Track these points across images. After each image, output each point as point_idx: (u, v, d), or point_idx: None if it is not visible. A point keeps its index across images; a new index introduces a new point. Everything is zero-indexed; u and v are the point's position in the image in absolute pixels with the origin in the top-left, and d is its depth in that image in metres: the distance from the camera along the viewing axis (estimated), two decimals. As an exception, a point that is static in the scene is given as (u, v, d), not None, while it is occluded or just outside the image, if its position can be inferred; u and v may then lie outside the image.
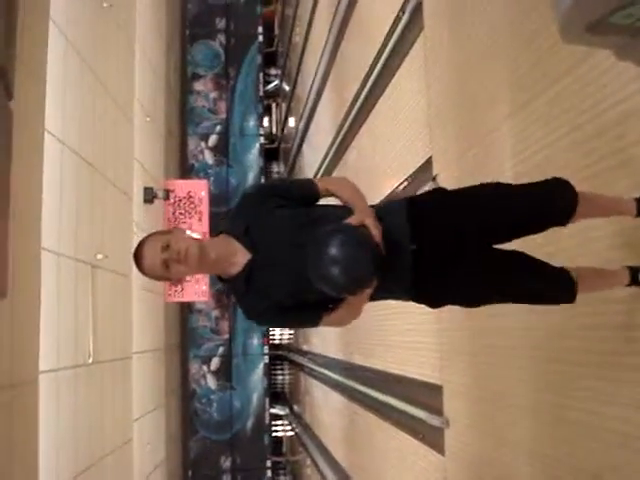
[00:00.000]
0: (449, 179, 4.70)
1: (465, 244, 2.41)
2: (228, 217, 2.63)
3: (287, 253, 2.38)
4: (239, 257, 2.43)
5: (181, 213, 11.43)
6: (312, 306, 2.44)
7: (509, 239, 2.49)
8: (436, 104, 4.97)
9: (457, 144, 4.55)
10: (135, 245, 2.41)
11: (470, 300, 2.56)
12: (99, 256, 6.80)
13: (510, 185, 2.50)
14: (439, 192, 2.65)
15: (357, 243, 2.20)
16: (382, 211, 2.42)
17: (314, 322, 2.49)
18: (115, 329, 7.66)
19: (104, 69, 7.03)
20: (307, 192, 2.47)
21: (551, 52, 3.09)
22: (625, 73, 2.59)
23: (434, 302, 2.59)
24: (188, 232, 2.49)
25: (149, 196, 9.98)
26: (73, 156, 6.07)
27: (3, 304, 4.12)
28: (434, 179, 4.92)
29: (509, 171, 3.66)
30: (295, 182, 2.74)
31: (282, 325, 2.20)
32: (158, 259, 2.35)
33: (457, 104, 4.55)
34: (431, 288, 2.46)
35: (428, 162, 5.10)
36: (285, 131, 16.27)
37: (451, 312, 4.52)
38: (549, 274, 2.44)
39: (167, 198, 10.96)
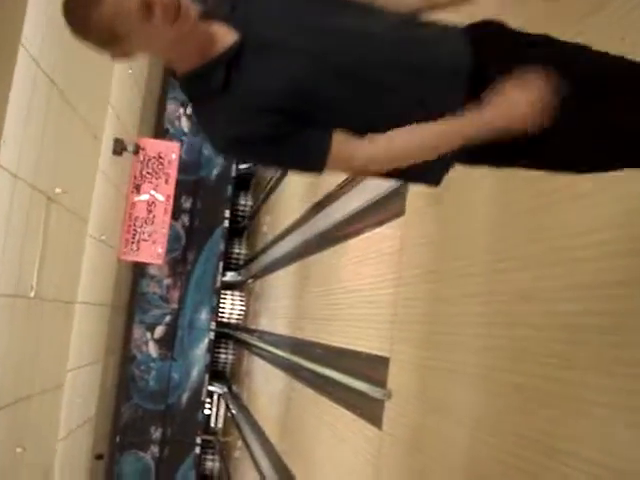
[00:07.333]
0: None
1: None
2: None
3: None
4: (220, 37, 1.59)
5: (148, 172, 11.21)
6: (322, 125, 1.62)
7: None
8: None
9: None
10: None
11: None
12: (58, 190, 6.59)
13: None
14: None
15: None
16: None
17: (322, 148, 1.61)
18: (63, 270, 7.44)
19: None
20: None
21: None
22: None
23: None
24: None
25: (119, 148, 9.80)
26: (46, 79, 5.86)
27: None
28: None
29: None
30: None
31: (271, 159, 1.69)
32: None
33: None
34: None
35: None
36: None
37: (408, 284, 4.43)
38: None
39: (137, 153, 10.74)
